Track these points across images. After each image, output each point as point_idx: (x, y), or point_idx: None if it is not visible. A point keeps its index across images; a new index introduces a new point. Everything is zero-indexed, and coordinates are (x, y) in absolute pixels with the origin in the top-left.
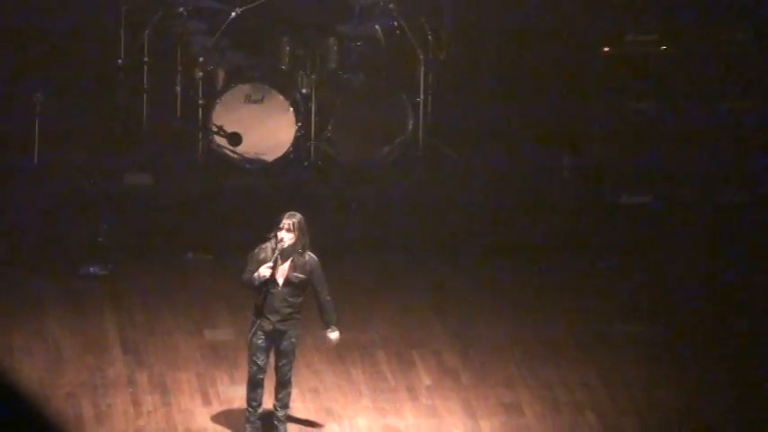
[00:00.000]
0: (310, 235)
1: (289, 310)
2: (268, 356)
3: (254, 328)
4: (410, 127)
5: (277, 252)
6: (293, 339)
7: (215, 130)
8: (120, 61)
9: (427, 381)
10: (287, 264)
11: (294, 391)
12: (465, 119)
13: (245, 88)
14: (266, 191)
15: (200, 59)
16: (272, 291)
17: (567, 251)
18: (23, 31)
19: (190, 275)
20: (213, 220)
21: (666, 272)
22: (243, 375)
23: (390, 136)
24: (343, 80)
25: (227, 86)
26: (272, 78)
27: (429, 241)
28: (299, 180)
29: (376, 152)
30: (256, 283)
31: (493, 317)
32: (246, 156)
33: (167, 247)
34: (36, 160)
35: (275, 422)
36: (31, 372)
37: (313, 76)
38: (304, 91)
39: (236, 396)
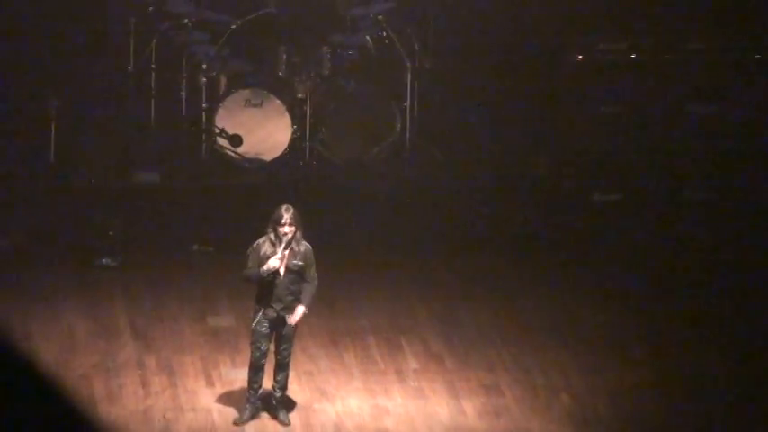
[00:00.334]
0: (304, 227)
1: (291, 298)
2: (270, 342)
3: (259, 316)
4: (398, 129)
5: (283, 245)
6: (293, 325)
7: (217, 131)
8: (129, 68)
9: (414, 364)
10: (287, 253)
11: (291, 374)
12: (448, 122)
13: (245, 93)
14: (265, 188)
15: (204, 67)
16: (276, 280)
17: (543, 244)
18: (39, 41)
19: (194, 266)
20: (216, 215)
21: (635, 264)
22: (243, 359)
23: (379, 137)
24: (336, 86)
25: (229, 92)
26: (270, 84)
27: (416, 234)
28: (295, 178)
29: (366, 152)
30: (265, 275)
31: (475, 305)
32: (247, 156)
33: (173, 240)
34: (53, 160)
35: (274, 402)
36: (48, 354)
37: (308, 83)
38: (300, 96)
39: (238, 378)
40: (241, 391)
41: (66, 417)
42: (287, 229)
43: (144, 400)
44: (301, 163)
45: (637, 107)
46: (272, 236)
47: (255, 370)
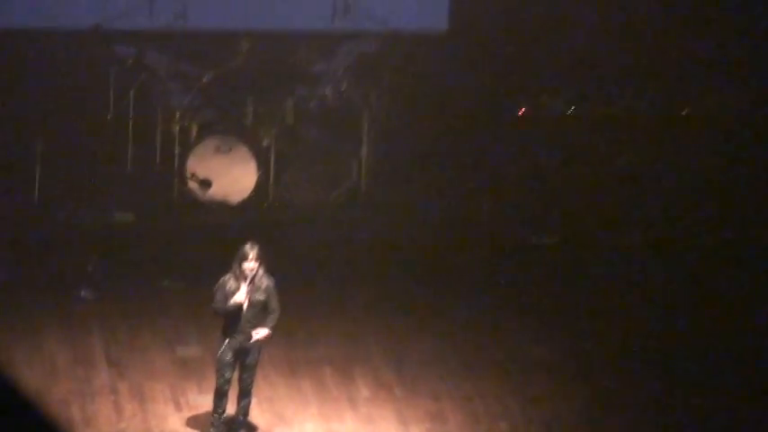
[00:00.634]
0: (267, 263)
1: (252, 331)
2: (234, 370)
3: (224, 346)
4: (354, 175)
5: (248, 280)
6: (256, 356)
7: (189, 176)
8: (109, 116)
9: (365, 392)
10: (250, 288)
11: (253, 400)
12: (400, 168)
13: (214, 141)
14: (231, 228)
15: (177, 116)
16: (240, 313)
17: (485, 284)
18: (27, 90)
19: (165, 300)
20: (186, 253)
21: (570, 302)
22: (210, 386)
23: (337, 182)
24: (299, 135)
25: (200, 139)
26: (237, 132)
27: (369, 272)
28: (259, 219)
29: (325, 196)
30: (231, 309)
31: (422, 338)
32: (215, 198)
33: (146, 275)
34: (36, 200)
35: (236, 426)
36: (30, 380)
37: (273, 131)
38: (265, 143)
39: (204, 403)
40: (207, 415)
41: None
42: (252, 265)
43: (117, 424)
44: (265, 205)
45: (572, 156)
46: (236, 272)
47: (220, 396)
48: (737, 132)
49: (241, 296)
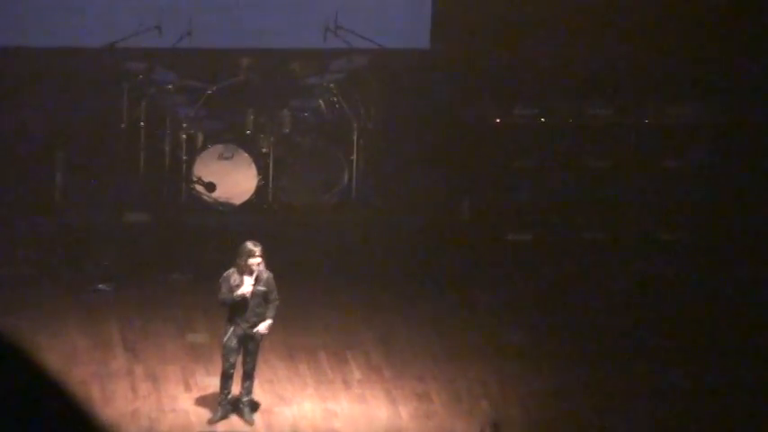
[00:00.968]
0: (266, 259)
1: (255, 319)
2: (238, 355)
3: (229, 333)
4: (345, 179)
5: (254, 275)
6: (258, 341)
7: (195, 180)
8: (122, 126)
9: (358, 375)
10: (254, 280)
11: (255, 382)
12: (387, 173)
13: (218, 148)
14: (234, 227)
15: (184, 125)
16: (244, 304)
17: (466, 276)
18: (48, 103)
19: (175, 291)
20: (194, 249)
21: (542, 293)
22: (216, 369)
23: (330, 186)
24: (295, 142)
25: (205, 146)
26: (239, 140)
27: (360, 267)
28: (259, 219)
29: (319, 198)
30: (237, 300)
31: (410, 325)
32: (219, 200)
33: (158, 269)
34: (58, 201)
35: (241, 405)
36: (53, 364)
37: (271, 139)
38: (264, 150)
39: (211, 384)
40: (214, 395)
41: (70, 414)
42: (258, 260)
43: (133, 403)
44: (265, 206)
45: (543, 162)
46: (240, 266)
47: (226, 378)
48: (707, 139)
49: (247, 288)
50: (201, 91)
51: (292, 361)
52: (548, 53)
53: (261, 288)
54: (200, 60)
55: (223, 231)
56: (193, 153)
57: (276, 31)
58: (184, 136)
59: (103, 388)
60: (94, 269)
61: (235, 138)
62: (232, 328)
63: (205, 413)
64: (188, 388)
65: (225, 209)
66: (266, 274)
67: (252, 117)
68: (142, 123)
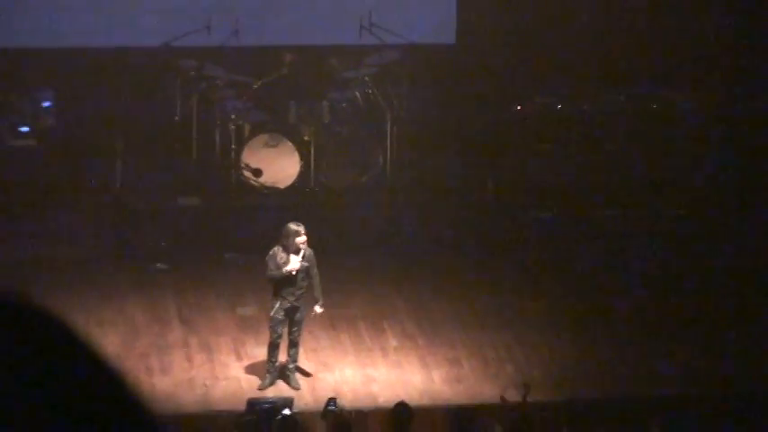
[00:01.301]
0: (309, 237)
1: (300, 291)
2: (284, 326)
3: (276, 307)
4: (380, 163)
5: (302, 253)
6: (303, 312)
7: (243, 166)
8: (176, 118)
9: (394, 342)
10: (300, 257)
11: (300, 350)
12: (418, 157)
13: (264, 137)
14: (279, 208)
15: (232, 117)
16: (290, 279)
17: (493, 250)
18: (109, 97)
19: (226, 269)
20: (243, 229)
21: (562, 266)
22: (264, 339)
23: (366, 169)
24: (333, 130)
25: (252, 136)
26: (283, 130)
27: (394, 243)
28: (302, 200)
29: (356, 181)
30: (285, 276)
31: (441, 297)
32: (266, 184)
33: (211, 248)
34: (118, 187)
35: (287, 372)
36: (115, 338)
37: (312, 128)
38: (306, 138)
39: (260, 354)
40: (262, 363)
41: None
42: (304, 239)
43: (189, 372)
44: (307, 189)
45: (561, 146)
46: (286, 245)
47: (273, 348)
48: (702, 127)
49: (295, 264)
50: (248, 85)
51: (334, 331)
52: (564, 46)
53: (305, 264)
54: (246, 57)
55: (269, 213)
56: (241, 142)
57: (315, 29)
58: (233, 126)
59: (161, 358)
60: (152, 249)
61: (279, 127)
62: (279, 302)
63: (254, 380)
64: (239, 357)
65: (270, 192)
66: (308, 251)
67: (294, 108)
68: (194, 115)
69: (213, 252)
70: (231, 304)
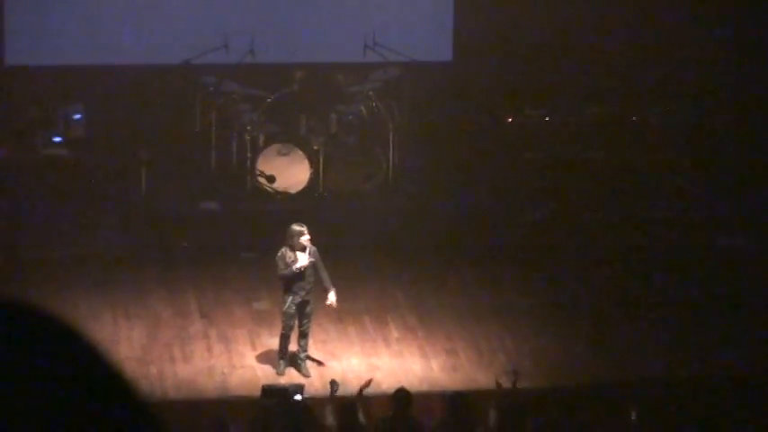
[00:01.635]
0: (316, 237)
1: (309, 286)
2: (295, 319)
3: (288, 302)
4: (383, 170)
5: (308, 251)
6: (312, 306)
7: (258, 173)
8: (196, 129)
9: (396, 334)
10: (307, 254)
11: (310, 341)
12: (418, 165)
13: (277, 146)
14: (291, 212)
15: (248, 128)
16: (299, 275)
17: (487, 250)
18: (134, 110)
19: (243, 267)
20: (258, 231)
21: (552, 264)
22: (277, 331)
23: (371, 176)
24: (340, 140)
25: (266, 145)
26: (294, 140)
27: (396, 244)
28: (312, 204)
29: (362, 186)
30: (295, 272)
31: (440, 292)
32: (278, 189)
33: (228, 248)
34: (143, 194)
35: (298, 360)
36: (142, 330)
37: (321, 138)
38: (315, 148)
39: (273, 344)
40: (275, 353)
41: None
42: (308, 237)
43: (208, 361)
44: (316, 194)
45: (549, 155)
46: (292, 244)
47: (285, 339)
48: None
49: (303, 262)
50: (262, 99)
51: (341, 324)
52: (550, 64)
53: (311, 259)
54: (260, 74)
55: (282, 216)
56: (256, 151)
57: (323, 48)
58: (248, 137)
59: (184, 349)
60: (176, 249)
61: (290, 138)
62: (291, 297)
63: (269, 368)
64: (254, 348)
65: (283, 196)
66: (313, 248)
67: (304, 120)
68: (213, 127)
69: (231, 252)
70: (247, 299)
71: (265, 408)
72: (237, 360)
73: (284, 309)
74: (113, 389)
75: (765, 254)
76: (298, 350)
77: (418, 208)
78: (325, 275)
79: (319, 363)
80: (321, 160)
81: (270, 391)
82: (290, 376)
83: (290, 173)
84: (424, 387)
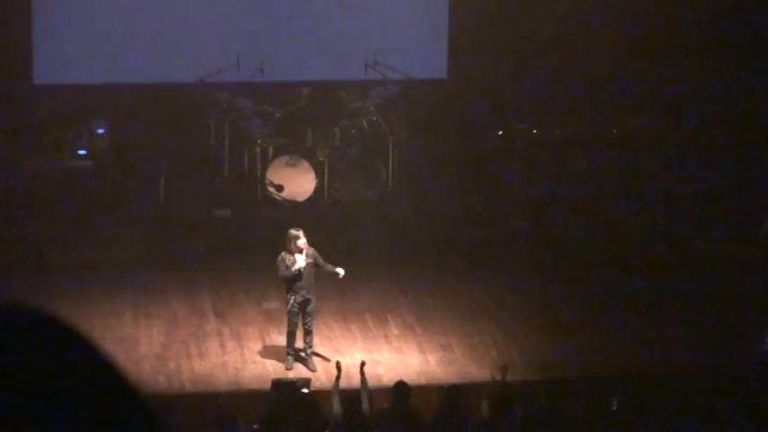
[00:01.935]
0: (321, 242)
1: (309, 286)
2: (299, 317)
3: (291, 302)
4: (384, 179)
5: (305, 252)
6: (313, 304)
7: (267, 182)
8: (211, 142)
9: (395, 331)
10: (305, 256)
11: (315, 338)
12: (416, 174)
13: (285, 158)
14: (298, 218)
15: (258, 141)
16: (300, 275)
17: (479, 252)
18: (153, 126)
19: (253, 269)
20: (267, 236)
21: (538, 263)
22: (285, 329)
23: (372, 185)
24: (344, 152)
25: (275, 157)
26: (301, 152)
27: (396, 248)
28: (318, 212)
29: (363, 194)
30: (295, 273)
31: (436, 292)
32: (286, 198)
33: (240, 252)
34: (162, 200)
35: (304, 356)
36: (160, 328)
37: (326, 150)
38: (320, 159)
39: (281, 341)
40: (283, 348)
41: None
42: (305, 240)
43: (222, 357)
44: (322, 202)
45: (534, 164)
46: (290, 248)
47: (291, 335)
48: (655, 146)
49: (301, 263)
50: (271, 114)
51: (345, 322)
52: (538, 80)
53: (309, 260)
54: (270, 90)
55: (290, 222)
56: (266, 162)
57: (328, 66)
58: (259, 149)
59: (199, 345)
60: (190, 253)
61: (298, 149)
62: (293, 297)
63: (278, 363)
64: (264, 344)
65: (290, 204)
66: (311, 250)
67: (310, 133)
68: (226, 140)
69: (242, 255)
70: (258, 299)
71: (275, 400)
72: (249, 356)
73: (288, 308)
74: (113, 388)
75: (740, 256)
76: (304, 346)
77: (416, 214)
78: (329, 266)
79: (325, 358)
80: (326, 171)
81: (279, 385)
82: (298, 371)
83: (297, 182)
84: (422, 380)
